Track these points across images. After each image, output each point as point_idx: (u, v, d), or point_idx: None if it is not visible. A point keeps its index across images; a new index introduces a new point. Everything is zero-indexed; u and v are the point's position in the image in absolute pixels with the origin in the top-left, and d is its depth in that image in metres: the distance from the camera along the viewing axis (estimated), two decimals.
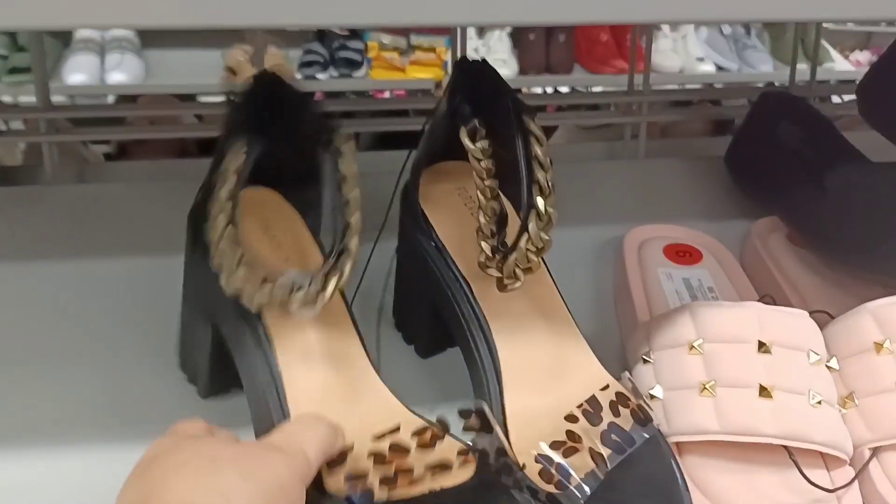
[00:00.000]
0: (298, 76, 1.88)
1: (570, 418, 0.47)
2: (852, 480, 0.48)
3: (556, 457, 0.45)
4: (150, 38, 2.00)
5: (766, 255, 0.67)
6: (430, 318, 0.57)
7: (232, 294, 0.44)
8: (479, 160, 0.50)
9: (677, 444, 0.50)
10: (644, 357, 0.54)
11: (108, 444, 0.52)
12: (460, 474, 0.42)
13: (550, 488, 0.44)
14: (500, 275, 0.49)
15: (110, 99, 1.91)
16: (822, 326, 0.54)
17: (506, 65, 2.01)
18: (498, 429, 0.44)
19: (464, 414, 0.44)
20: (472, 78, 0.51)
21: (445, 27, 1.81)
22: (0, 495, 0.50)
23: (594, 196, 0.78)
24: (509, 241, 0.49)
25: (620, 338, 0.62)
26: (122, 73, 1.89)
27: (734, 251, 0.69)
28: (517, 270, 0.49)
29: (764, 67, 2.13)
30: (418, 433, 0.43)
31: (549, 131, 0.50)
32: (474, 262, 0.51)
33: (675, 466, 0.46)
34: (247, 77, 0.47)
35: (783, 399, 0.49)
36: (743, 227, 0.71)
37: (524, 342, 0.51)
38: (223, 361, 0.51)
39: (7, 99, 1.71)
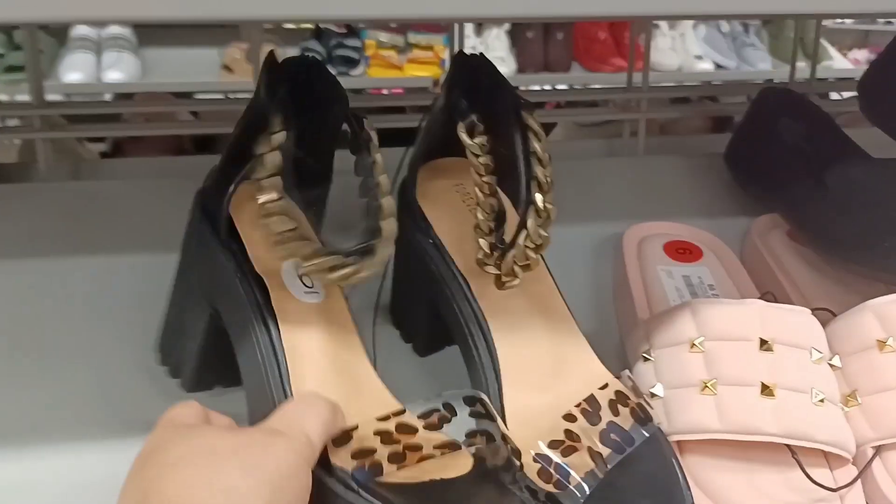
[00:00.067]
0: None
1: (569, 417, 0.46)
2: (855, 479, 0.48)
3: (555, 456, 0.44)
4: (147, 37, 2.00)
5: (766, 253, 0.67)
6: (427, 316, 0.57)
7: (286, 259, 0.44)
8: (477, 156, 0.49)
9: (678, 442, 0.49)
10: (644, 355, 0.54)
11: (105, 442, 0.52)
12: (467, 460, 0.41)
13: (550, 488, 0.43)
14: (498, 272, 0.49)
15: (107, 97, 1.91)
16: (823, 324, 0.53)
17: (504, 63, 2.02)
18: (499, 418, 0.44)
19: (469, 400, 0.43)
20: (470, 73, 0.51)
21: (443, 24, 1.80)
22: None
23: (593, 193, 0.77)
24: (508, 237, 0.49)
25: (620, 336, 0.62)
26: (119, 71, 1.89)
27: (734, 248, 0.68)
28: (516, 267, 0.49)
29: (762, 66, 2.13)
30: (424, 416, 0.42)
31: (547, 128, 0.50)
32: (472, 260, 0.50)
33: (675, 465, 0.46)
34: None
35: (785, 397, 0.48)
36: (743, 224, 0.71)
37: (523, 340, 0.51)
38: (215, 351, 0.51)
39: (3, 98, 1.70)
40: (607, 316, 0.64)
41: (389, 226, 0.45)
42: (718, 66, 2.13)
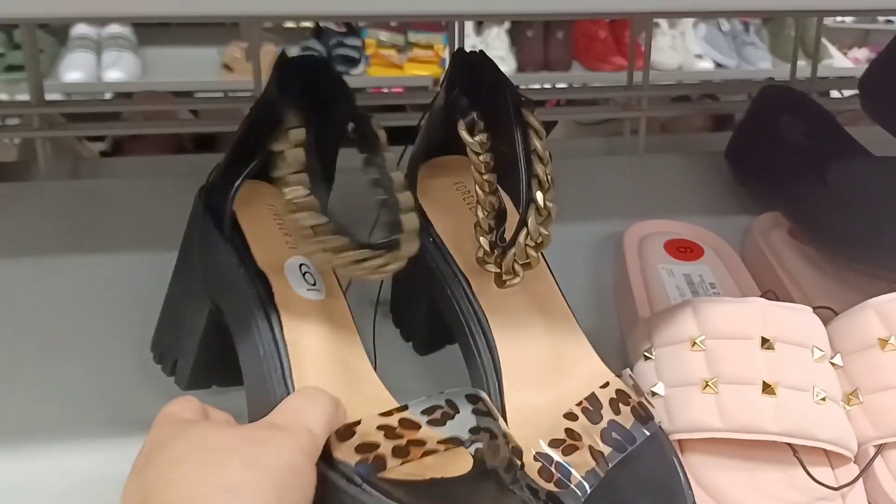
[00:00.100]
0: None
1: (570, 416, 0.46)
2: (857, 478, 0.48)
3: (556, 455, 0.44)
4: (147, 36, 2.00)
5: (767, 251, 0.66)
6: (428, 315, 0.56)
7: (316, 257, 0.44)
8: (477, 154, 0.49)
9: (679, 441, 0.49)
10: (645, 354, 0.53)
11: (105, 441, 0.52)
12: (467, 461, 0.41)
13: (551, 487, 0.43)
14: (498, 270, 0.49)
15: (107, 97, 1.91)
16: (825, 322, 0.53)
17: (504, 62, 2.01)
18: (500, 417, 0.44)
19: (471, 398, 0.43)
20: (470, 70, 0.51)
21: (443, 22, 1.80)
22: None
23: (594, 191, 0.77)
24: (508, 236, 0.49)
25: (621, 334, 0.62)
26: (119, 70, 1.89)
27: (735, 247, 0.68)
28: (516, 266, 0.48)
29: (763, 65, 2.13)
30: (428, 412, 0.42)
31: (548, 127, 0.49)
32: (473, 258, 0.50)
33: (677, 464, 0.46)
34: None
35: (786, 396, 0.48)
36: (744, 222, 0.71)
37: (524, 339, 0.51)
38: (213, 348, 0.50)
39: (3, 97, 1.70)
40: (608, 314, 0.64)
41: (411, 220, 0.45)
42: (718, 65, 2.13)
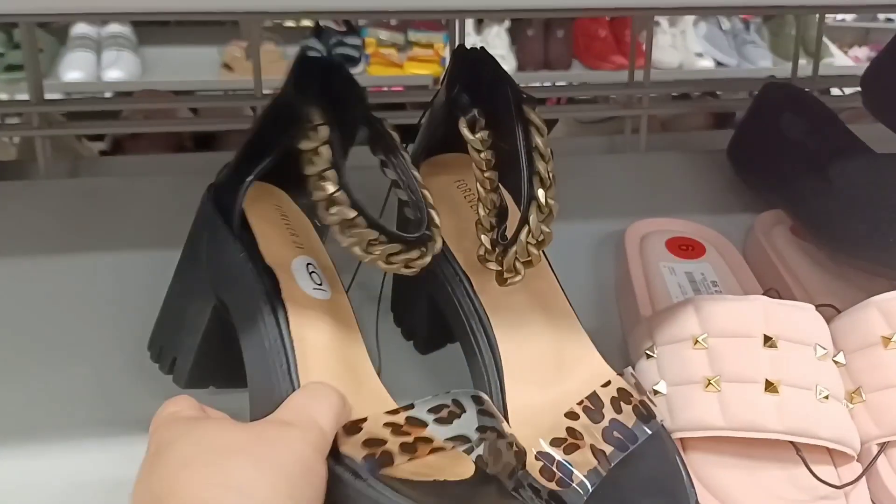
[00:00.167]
0: None
1: (571, 415, 0.46)
2: (860, 476, 0.48)
3: (558, 454, 0.44)
4: (147, 35, 1.99)
5: (769, 249, 0.66)
6: (428, 314, 0.56)
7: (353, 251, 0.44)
8: (478, 151, 0.49)
9: (681, 440, 0.49)
10: (647, 352, 0.53)
11: (104, 440, 0.52)
12: (470, 467, 0.41)
13: (552, 486, 0.43)
14: (500, 268, 0.49)
15: (107, 97, 1.91)
16: (827, 321, 0.53)
17: (504, 61, 2.00)
18: (503, 420, 0.43)
19: (477, 399, 0.43)
20: (471, 67, 0.50)
21: (443, 21, 1.80)
22: None
23: (595, 189, 0.77)
24: (509, 234, 0.48)
25: (622, 333, 0.62)
26: (119, 70, 1.89)
27: (737, 245, 0.68)
28: (517, 264, 0.48)
29: (763, 63, 2.13)
30: (434, 410, 0.41)
31: (548, 125, 0.49)
32: (474, 256, 0.50)
33: (679, 463, 0.45)
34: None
35: (789, 394, 0.48)
36: (746, 220, 0.71)
37: (525, 337, 0.50)
38: (214, 346, 0.50)
39: (3, 97, 1.70)
40: (609, 313, 0.64)
41: (435, 216, 0.46)
42: (719, 64, 2.12)
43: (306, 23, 2.05)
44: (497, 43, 2.04)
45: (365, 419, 0.40)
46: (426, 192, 0.47)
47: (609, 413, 0.46)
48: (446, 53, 1.92)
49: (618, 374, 0.49)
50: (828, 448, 0.49)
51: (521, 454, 0.42)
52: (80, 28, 1.96)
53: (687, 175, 0.80)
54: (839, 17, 2.36)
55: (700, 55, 2.11)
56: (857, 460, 0.49)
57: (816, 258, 0.65)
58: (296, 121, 0.44)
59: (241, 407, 0.46)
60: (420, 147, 0.56)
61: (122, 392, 0.55)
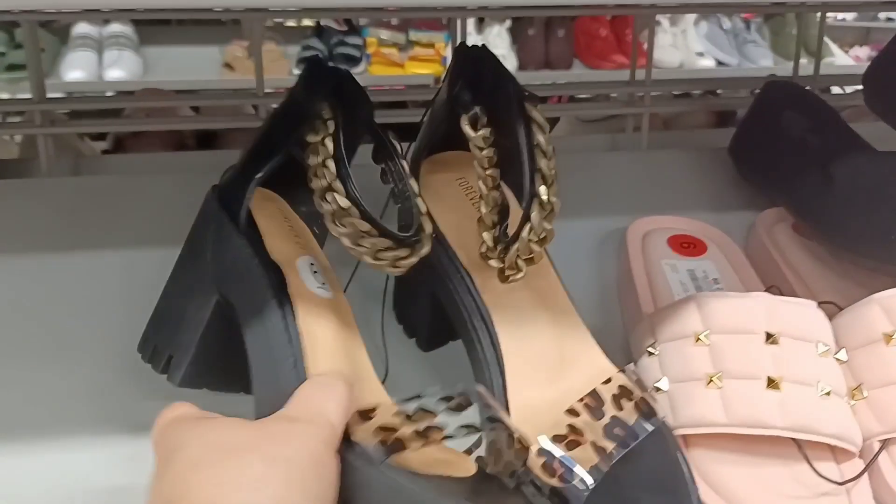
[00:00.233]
0: (296, 72, 1.88)
1: (573, 412, 0.46)
2: (861, 473, 0.48)
3: (559, 450, 0.44)
4: (148, 35, 1.99)
5: (771, 246, 0.66)
6: (430, 311, 0.56)
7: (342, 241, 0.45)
8: (480, 149, 0.49)
9: (684, 436, 0.49)
10: (649, 349, 0.53)
11: (106, 439, 0.52)
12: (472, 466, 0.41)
13: (554, 482, 0.43)
14: (501, 265, 0.49)
15: (109, 96, 1.91)
16: (829, 318, 0.53)
17: (505, 60, 2.00)
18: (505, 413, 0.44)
19: (482, 396, 0.43)
20: (473, 64, 0.51)
21: (445, 20, 1.80)
22: None
23: (597, 187, 0.77)
24: (511, 231, 0.48)
25: (624, 330, 0.62)
26: (120, 69, 1.89)
27: (739, 242, 0.68)
28: (519, 261, 0.48)
29: (764, 62, 2.13)
30: (445, 399, 0.41)
31: (550, 124, 0.49)
32: (476, 253, 0.50)
33: (681, 460, 0.45)
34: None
35: (791, 391, 0.48)
36: (748, 218, 0.70)
37: (527, 334, 0.50)
38: (214, 342, 0.50)
39: (5, 96, 1.70)
40: (611, 310, 0.64)
41: (427, 223, 0.48)
42: (720, 63, 2.12)
43: (307, 22, 2.06)
44: (498, 42, 2.04)
45: (375, 407, 0.40)
46: (419, 202, 0.48)
47: (611, 410, 0.46)
48: (447, 53, 1.92)
49: (619, 370, 0.49)
50: (829, 445, 0.48)
51: (522, 451, 0.42)
52: (81, 28, 1.96)
53: (689, 173, 0.80)
54: (840, 16, 2.36)
55: (701, 54, 2.11)
56: (859, 457, 0.49)
57: (818, 255, 0.65)
58: (305, 119, 0.45)
59: (237, 413, 0.46)
60: (422, 145, 0.56)
61: (125, 390, 0.55)
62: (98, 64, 1.90)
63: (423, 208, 0.48)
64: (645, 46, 0.94)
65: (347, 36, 2.01)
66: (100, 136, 1.30)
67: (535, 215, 0.47)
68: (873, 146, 0.69)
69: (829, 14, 1.06)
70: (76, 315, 0.61)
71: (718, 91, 1.20)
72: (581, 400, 0.46)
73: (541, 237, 0.47)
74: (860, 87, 0.70)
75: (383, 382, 0.48)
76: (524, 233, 0.47)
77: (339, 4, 0.30)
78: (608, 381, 0.48)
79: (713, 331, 0.51)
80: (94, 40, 1.95)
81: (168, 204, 0.64)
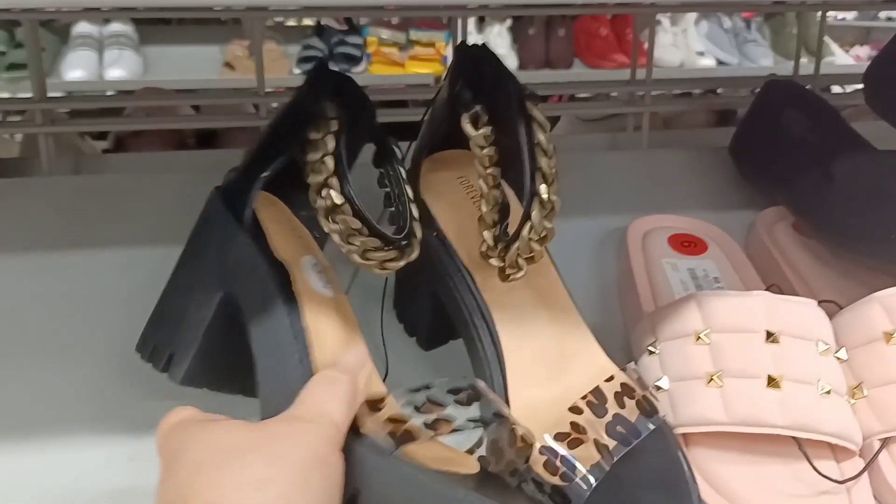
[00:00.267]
0: (297, 71, 1.88)
1: (575, 410, 0.46)
2: (862, 472, 0.48)
3: (561, 448, 0.44)
4: (149, 34, 1.99)
5: (771, 245, 0.66)
6: (431, 310, 0.56)
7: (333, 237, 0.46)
8: (481, 147, 0.49)
9: (684, 435, 0.49)
10: (650, 348, 0.53)
11: (106, 439, 0.52)
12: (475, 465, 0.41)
13: (555, 480, 0.43)
14: (502, 264, 0.49)
15: (109, 95, 1.91)
16: (830, 316, 0.53)
17: (505, 59, 1.99)
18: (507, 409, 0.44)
19: (485, 392, 0.43)
20: (473, 63, 0.51)
21: (445, 19, 1.80)
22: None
23: (598, 186, 0.77)
24: (512, 230, 0.48)
25: (625, 329, 0.62)
26: (121, 69, 1.89)
27: (739, 241, 0.68)
28: (520, 260, 0.48)
29: (764, 62, 2.13)
30: (454, 391, 0.42)
31: (551, 123, 0.50)
32: (476, 252, 0.50)
33: (681, 458, 0.46)
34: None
35: (791, 389, 0.48)
36: (748, 216, 0.71)
37: (528, 333, 0.51)
38: (217, 339, 0.50)
39: (5, 95, 1.70)
40: (612, 309, 0.64)
41: (419, 228, 0.48)
42: (720, 63, 2.12)
43: (308, 22, 2.06)
44: (498, 42, 2.04)
45: (384, 398, 0.41)
46: (413, 207, 0.48)
47: (612, 408, 0.46)
48: (448, 52, 1.92)
49: (620, 369, 0.49)
50: (830, 443, 0.49)
51: (524, 449, 0.42)
52: (81, 27, 1.96)
53: (689, 172, 0.80)
54: (840, 15, 2.36)
55: (701, 54, 2.11)
56: (859, 455, 0.49)
57: (818, 254, 0.65)
58: (310, 120, 0.45)
59: (238, 416, 0.46)
60: (423, 143, 0.56)
61: (124, 390, 0.55)
62: (98, 63, 1.90)
63: (416, 214, 0.49)
64: (645, 46, 0.94)
65: (348, 35, 2.01)
66: (100, 136, 1.30)
67: (535, 214, 0.47)
68: (873, 145, 0.69)
69: (829, 13, 1.06)
70: (76, 315, 0.61)
71: (719, 90, 1.20)
72: (584, 397, 0.47)
73: (541, 236, 0.47)
74: (860, 86, 0.70)
75: (384, 382, 0.48)
76: (525, 231, 0.47)
77: (340, 4, 0.30)
78: (610, 378, 0.48)
79: (713, 329, 0.51)
80: (95, 39, 1.94)
81: (168, 203, 0.64)
